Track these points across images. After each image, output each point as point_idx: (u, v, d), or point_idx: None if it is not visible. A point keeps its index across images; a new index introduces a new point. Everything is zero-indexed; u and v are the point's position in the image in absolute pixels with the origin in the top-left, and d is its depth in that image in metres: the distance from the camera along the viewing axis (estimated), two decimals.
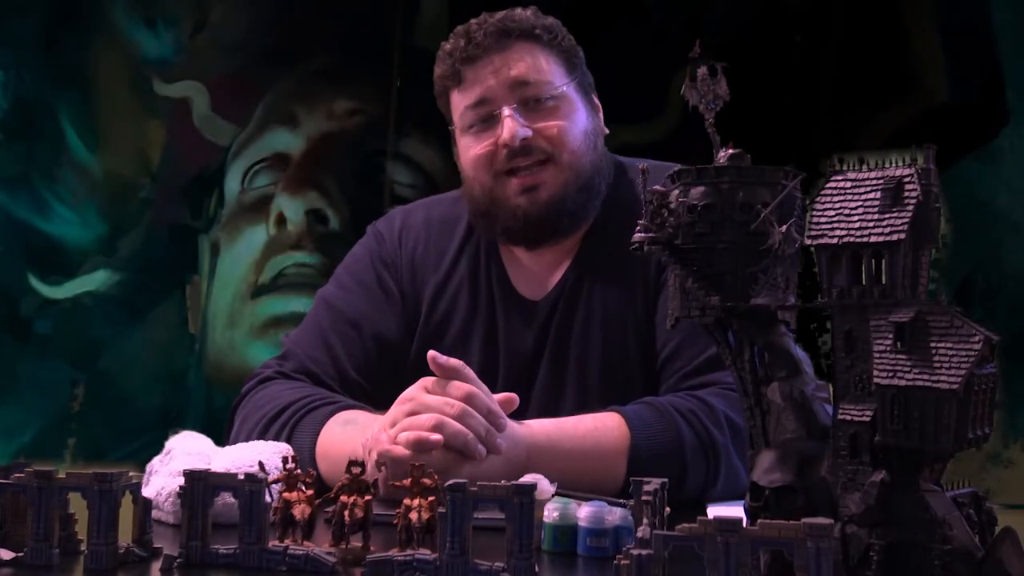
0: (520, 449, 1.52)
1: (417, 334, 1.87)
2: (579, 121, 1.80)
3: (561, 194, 1.76)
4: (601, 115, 1.89)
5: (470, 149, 1.80)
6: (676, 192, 0.94)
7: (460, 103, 1.80)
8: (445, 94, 1.84)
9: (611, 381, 1.77)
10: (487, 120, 1.78)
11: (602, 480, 1.53)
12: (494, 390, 1.58)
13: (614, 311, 1.79)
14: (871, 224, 0.85)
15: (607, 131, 1.89)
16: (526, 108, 1.76)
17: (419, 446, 1.42)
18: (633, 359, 1.77)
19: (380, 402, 1.66)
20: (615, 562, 0.90)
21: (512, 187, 1.76)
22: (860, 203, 0.86)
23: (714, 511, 0.99)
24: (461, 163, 1.85)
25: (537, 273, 1.85)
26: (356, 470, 1.10)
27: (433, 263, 1.90)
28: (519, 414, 1.59)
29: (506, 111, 1.75)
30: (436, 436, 1.44)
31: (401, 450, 1.42)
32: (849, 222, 0.86)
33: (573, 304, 1.81)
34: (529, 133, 1.74)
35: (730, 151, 0.94)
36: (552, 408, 1.72)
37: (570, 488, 1.37)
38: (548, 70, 1.78)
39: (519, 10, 1.81)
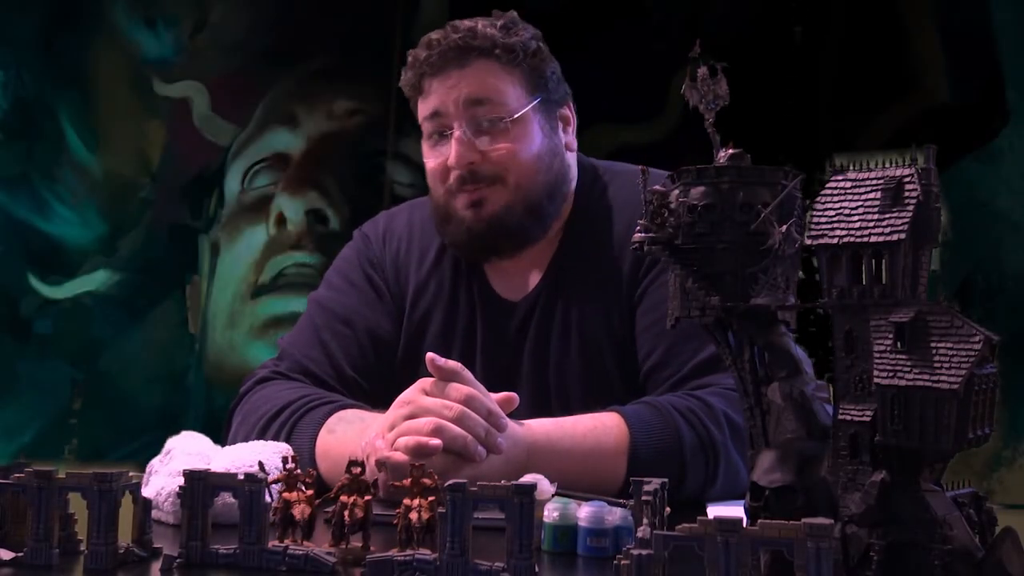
0: (520, 449, 1.52)
1: (402, 332, 1.88)
2: (532, 144, 1.78)
3: (502, 213, 1.76)
4: (572, 128, 1.88)
5: (428, 159, 1.82)
6: (676, 192, 0.94)
7: (420, 112, 1.82)
8: (413, 100, 1.85)
9: (590, 382, 1.77)
10: (442, 135, 1.78)
11: (602, 479, 1.52)
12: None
13: (591, 314, 1.79)
14: (871, 224, 0.85)
15: (574, 147, 1.88)
16: (478, 128, 1.75)
17: (418, 452, 1.42)
18: (610, 362, 1.78)
19: (377, 400, 1.67)
20: (615, 562, 0.90)
21: (460, 200, 1.78)
22: (860, 203, 0.86)
23: (714, 511, 0.99)
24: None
25: (516, 275, 1.86)
26: (356, 470, 1.10)
27: (415, 263, 1.91)
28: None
29: (456, 132, 1.75)
30: (435, 441, 1.44)
31: (400, 456, 1.42)
32: (849, 222, 0.86)
33: (552, 306, 1.82)
34: (476, 158, 1.75)
35: (730, 151, 0.94)
36: (533, 409, 1.72)
37: (570, 488, 1.37)
38: (504, 91, 1.77)
39: (486, 26, 1.79)
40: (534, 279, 1.85)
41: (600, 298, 1.79)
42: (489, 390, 1.57)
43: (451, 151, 1.75)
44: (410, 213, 1.98)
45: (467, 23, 1.79)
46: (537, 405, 1.74)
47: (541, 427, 1.57)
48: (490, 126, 1.76)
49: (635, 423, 1.58)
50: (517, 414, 1.63)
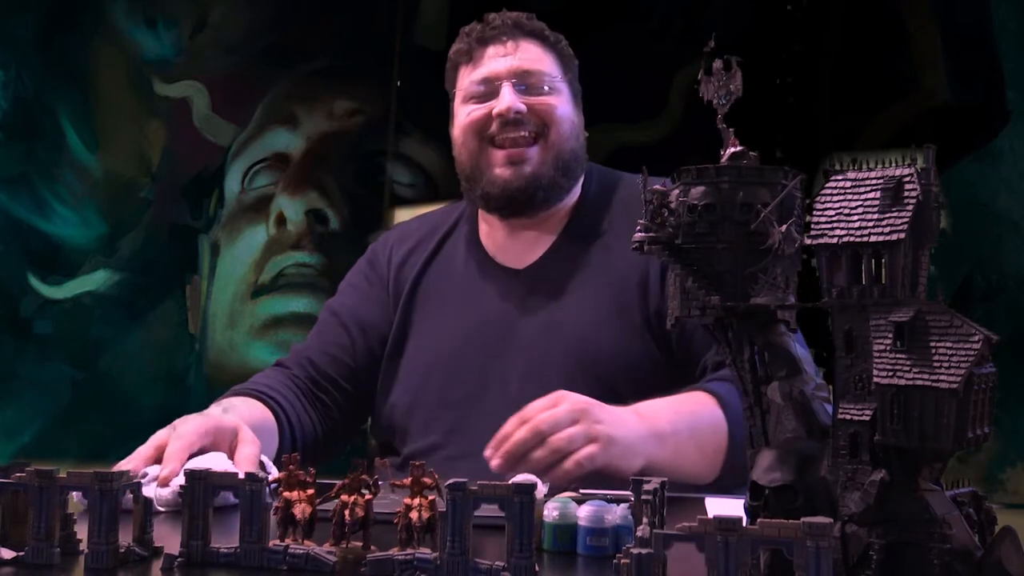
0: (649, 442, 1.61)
1: (399, 307, 1.99)
2: (567, 108, 1.94)
3: (541, 170, 1.90)
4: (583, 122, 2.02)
5: (467, 115, 1.93)
6: (676, 192, 0.95)
7: (466, 76, 1.95)
8: (455, 67, 1.99)
9: (583, 353, 1.83)
10: (488, 95, 1.91)
11: (712, 460, 1.67)
12: (472, 358, 1.83)
13: (592, 284, 1.88)
14: (871, 224, 0.85)
15: (587, 134, 2.01)
16: (524, 89, 1.91)
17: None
18: (605, 335, 1.84)
19: (373, 389, 1.81)
20: (615, 561, 0.90)
21: (498, 158, 1.90)
22: (860, 203, 0.86)
23: (713, 508, 0.99)
24: (454, 131, 1.99)
25: (517, 252, 1.95)
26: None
27: (417, 254, 2.03)
28: (496, 390, 1.74)
29: (506, 84, 1.89)
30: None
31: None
32: (849, 222, 0.86)
33: (552, 274, 1.91)
34: (523, 108, 1.88)
35: (733, 149, 0.94)
36: (526, 378, 1.79)
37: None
38: (548, 66, 1.94)
39: (531, 17, 1.97)
40: (537, 252, 1.94)
41: (602, 275, 1.88)
42: (486, 361, 1.77)
43: (501, 98, 1.88)
44: (419, 218, 2.15)
45: (515, 12, 1.98)
46: (531, 375, 1.80)
47: (654, 411, 1.65)
48: (534, 89, 1.91)
49: (726, 400, 1.67)
50: (512, 386, 1.75)
